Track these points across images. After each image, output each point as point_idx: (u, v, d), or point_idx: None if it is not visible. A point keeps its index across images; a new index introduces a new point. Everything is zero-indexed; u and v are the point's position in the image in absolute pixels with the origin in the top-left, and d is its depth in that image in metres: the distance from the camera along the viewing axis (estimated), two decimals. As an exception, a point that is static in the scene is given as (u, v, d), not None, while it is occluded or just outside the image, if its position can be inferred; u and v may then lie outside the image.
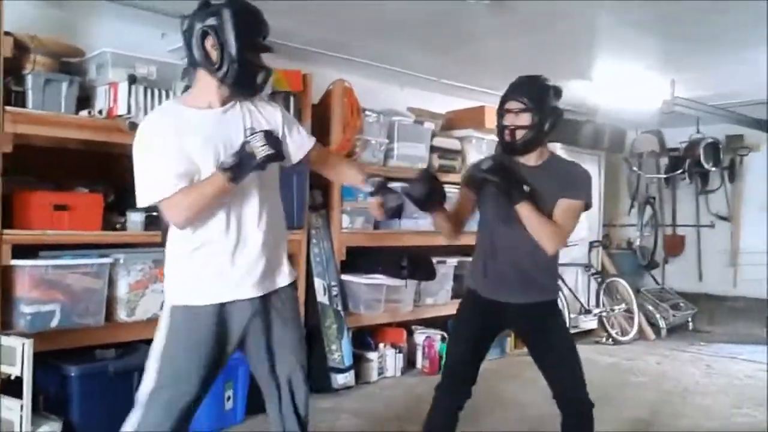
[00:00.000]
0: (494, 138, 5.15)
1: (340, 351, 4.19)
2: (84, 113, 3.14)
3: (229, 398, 3.44)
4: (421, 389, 4.34)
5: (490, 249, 2.42)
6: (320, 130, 4.19)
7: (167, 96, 3.28)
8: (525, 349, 5.37)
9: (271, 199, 2.12)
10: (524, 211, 2.25)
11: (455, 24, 3.96)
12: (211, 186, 1.90)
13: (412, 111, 5.03)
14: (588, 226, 6.37)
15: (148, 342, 3.22)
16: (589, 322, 6.12)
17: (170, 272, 2.08)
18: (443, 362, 2.53)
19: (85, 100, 3.20)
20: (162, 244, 2.93)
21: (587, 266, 6.20)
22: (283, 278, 2.16)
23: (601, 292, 6.15)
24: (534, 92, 2.33)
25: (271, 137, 1.90)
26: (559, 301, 2.56)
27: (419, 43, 4.40)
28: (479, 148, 5.19)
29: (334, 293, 4.27)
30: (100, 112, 3.17)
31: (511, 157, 2.39)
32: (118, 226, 3.24)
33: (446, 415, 2.41)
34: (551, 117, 2.33)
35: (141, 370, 3.04)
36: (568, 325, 2.59)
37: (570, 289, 5.90)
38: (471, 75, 5.21)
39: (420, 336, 4.90)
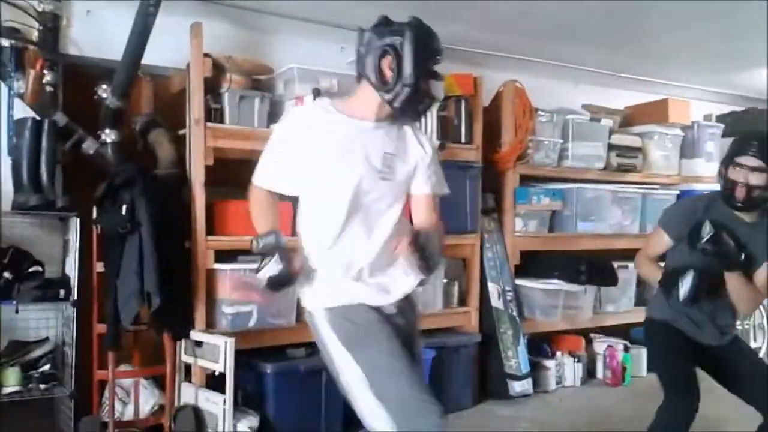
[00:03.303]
0: (678, 133, 4.91)
1: (516, 358, 4.09)
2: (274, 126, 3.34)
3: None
4: (603, 401, 4.11)
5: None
6: (491, 132, 4.14)
7: (348, 107, 3.41)
8: None
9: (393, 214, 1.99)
10: (733, 281, 2.31)
11: (638, 16, 3.75)
12: (258, 227, 1.99)
13: (588, 108, 4.80)
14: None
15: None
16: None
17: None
18: (664, 378, 2.42)
19: (273, 114, 3.39)
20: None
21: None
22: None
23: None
24: None
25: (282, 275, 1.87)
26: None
27: (596, 39, 4.22)
28: (662, 144, 4.85)
29: (509, 298, 4.17)
30: (288, 124, 3.36)
31: (727, 210, 2.39)
32: (305, 231, 3.40)
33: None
34: None
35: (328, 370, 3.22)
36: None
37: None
38: (652, 67, 4.88)
39: (600, 344, 4.65)
